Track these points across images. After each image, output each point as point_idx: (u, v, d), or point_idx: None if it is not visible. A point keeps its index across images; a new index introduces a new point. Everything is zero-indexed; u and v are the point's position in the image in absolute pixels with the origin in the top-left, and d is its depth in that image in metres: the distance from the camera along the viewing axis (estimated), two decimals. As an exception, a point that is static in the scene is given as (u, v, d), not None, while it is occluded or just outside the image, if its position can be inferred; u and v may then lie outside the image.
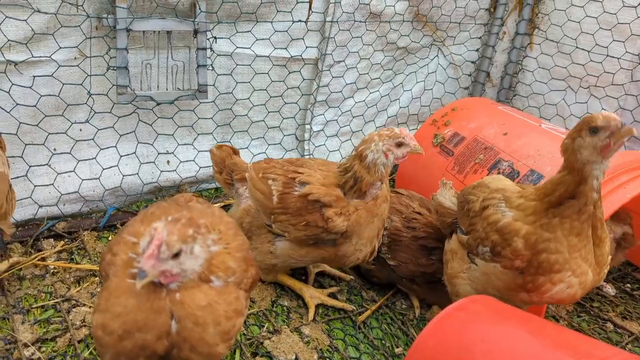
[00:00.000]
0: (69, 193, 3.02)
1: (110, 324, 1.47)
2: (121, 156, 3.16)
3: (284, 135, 3.74)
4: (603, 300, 3.03)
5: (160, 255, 1.39)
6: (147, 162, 3.26)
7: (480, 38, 4.33)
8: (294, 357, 2.33)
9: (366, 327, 2.63)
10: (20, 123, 2.78)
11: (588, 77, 3.87)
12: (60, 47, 2.75)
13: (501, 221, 2.04)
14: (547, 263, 1.90)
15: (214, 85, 3.31)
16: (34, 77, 2.75)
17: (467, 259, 2.25)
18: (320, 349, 2.42)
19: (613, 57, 3.70)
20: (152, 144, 3.26)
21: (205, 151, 3.44)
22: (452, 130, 3.45)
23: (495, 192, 2.18)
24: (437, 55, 4.28)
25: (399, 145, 2.35)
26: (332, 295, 2.79)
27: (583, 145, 1.84)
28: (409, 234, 2.76)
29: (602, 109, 3.80)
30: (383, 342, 2.55)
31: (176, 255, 1.43)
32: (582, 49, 3.86)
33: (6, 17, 2.56)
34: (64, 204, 3.04)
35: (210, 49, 3.18)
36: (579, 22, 3.85)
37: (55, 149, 2.96)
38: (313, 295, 2.70)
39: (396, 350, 2.51)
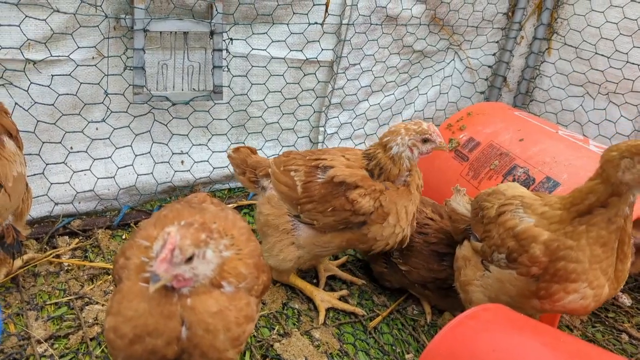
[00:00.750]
0: (84, 191, 3.05)
1: (122, 328, 1.48)
2: (136, 155, 3.18)
3: (298, 137, 3.74)
4: (618, 311, 2.99)
5: (173, 259, 1.39)
6: (162, 162, 3.28)
7: (497, 42, 4.29)
8: (303, 360, 2.33)
9: (377, 332, 2.62)
10: (38, 121, 2.82)
11: (607, 83, 3.82)
12: (79, 47, 2.77)
13: (519, 226, 2.01)
14: (564, 271, 1.87)
15: (229, 86, 3.32)
16: (52, 76, 2.78)
17: (481, 266, 2.22)
18: (330, 353, 2.41)
19: (633, 63, 3.64)
20: (166, 144, 3.28)
21: (220, 152, 3.45)
22: (467, 135, 3.42)
23: (513, 199, 2.15)
24: (453, 59, 4.25)
25: (425, 141, 2.36)
26: (342, 299, 2.78)
27: (630, 169, 1.78)
28: (420, 239, 2.74)
29: (622, 116, 3.74)
30: (394, 347, 2.54)
31: (189, 260, 1.43)
32: (602, 55, 3.80)
33: (26, 16, 2.59)
34: (79, 202, 3.07)
35: (226, 50, 3.19)
36: (598, 27, 3.79)
37: (71, 148, 2.99)
38: (324, 299, 2.70)
39: (407, 356, 2.49)
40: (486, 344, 1.77)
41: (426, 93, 4.23)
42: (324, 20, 3.40)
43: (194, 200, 1.96)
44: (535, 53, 4.24)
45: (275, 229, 2.52)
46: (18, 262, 2.60)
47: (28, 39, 2.64)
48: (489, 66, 4.38)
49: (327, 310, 2.67)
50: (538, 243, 1.93)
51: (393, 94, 4.03)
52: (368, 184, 2.35)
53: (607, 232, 1.86)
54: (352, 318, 2.68)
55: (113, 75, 2.94)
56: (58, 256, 2.78)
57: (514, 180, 2.98)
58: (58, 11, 2.65)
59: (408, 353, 2.51)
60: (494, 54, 4.34)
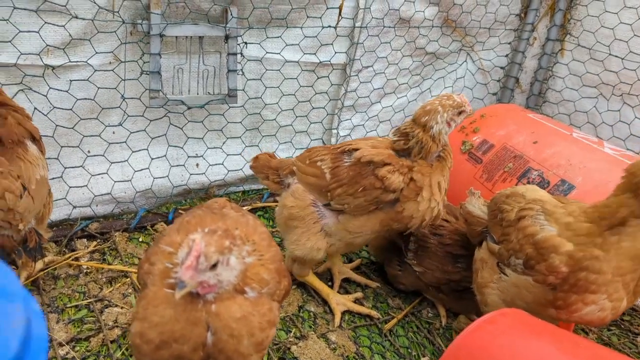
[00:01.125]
0: (101, 194, 3.09)
1: (148, 333, 1.50)
2: (152, 159, 3.22)
3: (311, 140, 3.76)
4: (634, 314, 2.98)
5: (198, 266, 1.41)
6: (177, 165, 3.32)
7: (510, 44, 4.29)
8: (320, 363, 2.35)
9: (392, 335, 2.63)
10: (56, 126, 2.85)
11: (621, 84, 3.81)
12: (97, 52, 2.81)
13: (539, 234, 2.01)
14: (584, 282, 1.87)
15: (243, 89, 3.34)
16: (71, 81, 2.81)
17: (497, 268, 2.23)
18: (347, 356, 2.44)
19: (648, 65, 3.63)
20: (182, 147, 3.31)
21: (234, 154, 3.48)
22: (480, 138, 3.43)
23: (533, 203, 2.15)
24: (465, 61, 4.25)
25: (460, 113, 2.43)
26: (357, 302, 2.80)
27: None
28: (435, 241, 2.76)
29: (636, 117, 3.73)
30: (409, 350, 2.55)
31: (213, 267, 1.45)
32: (616, 56, 3.79)
33: (45, 22, 2.62)
34: (97, 205, 3.11)
35: (241, 54, 3.21)
36: (612, 28, 3.78)
37: (89, 151, 3.03)
38: (339, 302, 2.72)
39: (422, 359, 2.51)
40: (504, 350, 1.78)
41: (438, 95, 4.22)
42: (337, 24, 3.41)
43: (215, 206, 1.98)
44: (548, 54, 4.24)
45: (301, 220, 2.51)
46: (39, 265, 2.64)
47: (47, 45, 2.67)
48: (502, 67, 4.38)
49: (343, 313, 2.69)
50: (559, 254, 1.93)
51: (405, 95, 4.04)
52: (395, 160, 2.39)
53: None
54: (367, 321, 2.69)
55: (130, 79, 2.97)
56: (77, 259, 2.82)
57: (528, 183, 2.99)
58: (76, 17, 2.68)
59: (424, 356, 2.53)
60: (506, 55, 4.33)
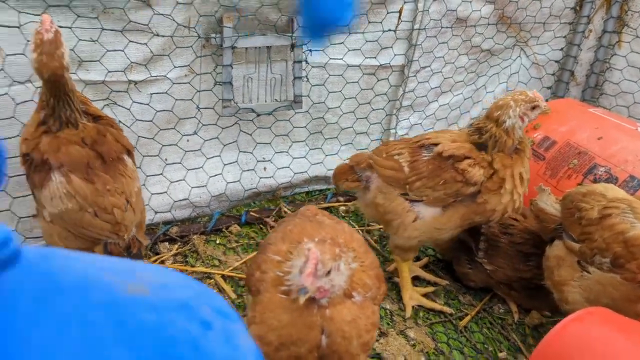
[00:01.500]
0: (179, 200, 3.27)
1: (268, 336, 1.64)
2: (224, 164, 3.37)
3: (371, 141, 3.86)
4: None
5: (317, 272, 1.54)
6: (247, 170, 3.47)
7: (564, 37, 4.28)
8: (403, 359, 2.47)
9: (467, 331, 2.73)
10: (138, 137, 3.03)
11: (682, 75, 3.77)
12: (175, 67, 2.96)
13: (630, 232, 2.05)
14: None
15: (307, 95, 3.46)
16: (151, 94, 2.98)
17: (578, 267, 2.28)
18: (427, 352, 2.54)
19: None
20: (251, 152, 3.45)
21: (299, 157, 3.61)
22: (542, 134, 3.47)
23: (618, 202, 2.19)
24: (519, 56, 4.27)
25: (534, 108, 2.48)
26: (429, 297, 2.90)
27: None
28: (506, 240, 2.83)
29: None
30: (485, 346, 2.65)
31: (328, 273, 1.58)
32: (677, 47, 3.76)
33: (129, 41, 2.78)
34: (176, 210, 3.29)
35: (306, 61, 3.32)
36: (673, 19, 3.75)
37: (166, 159, 3.20)
38: (412, 297, 2.82)
39: (499, 354, 2.60)
40: (595, 348, 1.86)
41: (493, 91, 4.26)
42: (397, 27, 3.49)
43: (308, 214, 2.11)
44: (604, 46, 4.21)
45: (394, 212, 2.60)
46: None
47: (131, 62, 2.84)
48: (556, 61, 4.37)
49: (416, 308, 2.79)
50: None
51: (461, 93, 4.09)
52: (476, 154, 2.46)
53: None
54: (441, 317, 2.79)
55: (204, 90, 3.13)
56: (163, 262, 3.00)
57: (595, 180, 3.02)
58: (157, 35, 2.84)
59: (501, 351, 2.61)
60: (561, 49, 4.33)
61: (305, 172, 3.65)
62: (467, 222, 2.55)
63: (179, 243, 3.18)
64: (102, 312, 0.70)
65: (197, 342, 0.76)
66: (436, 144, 2.52)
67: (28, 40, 2.57)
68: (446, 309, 2.81)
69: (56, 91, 2.20)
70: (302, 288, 1.53)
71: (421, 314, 2.80)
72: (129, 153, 2.57)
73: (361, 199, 2.84)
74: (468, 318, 2.78)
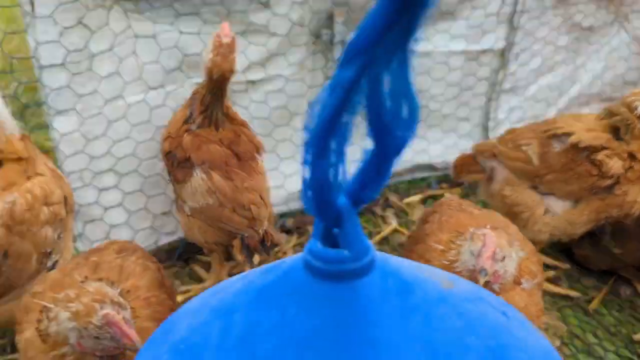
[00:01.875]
0: (293, 192, 3.39)
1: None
2: (333, 157, 3.46)
3: (472, 127, 3.86)
4: None
5: (496, 256, 1.60)
6: (354, 160, 3.54)
7: (668, 9, 4.10)
8: (539, 342, 2.50)
9: (596, 314, 2.72)
10: (256, 134, 3.16)
11: None
12: (288, 64, 3.07)
13: None
14: None
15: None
16: (267, 92, 3.10)
17: None
18: (560, 336, 2.56)
19: None
20: (358, 144, 3.52)
21: (402, 146, 3.66)
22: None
23: None
24: (617, 32, 4.13)
25: None
26: (552, 282, 2.90)
27: None
28: (633, 223, 2.78)
29: None
30: (618, 328, 2.64)
31: (504, 258, 1.64)
32: None
33: (249, 43, 2.90)
34: (290, 202, 3.42)
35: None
36: None
37: (280, 154, 3.33)
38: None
39: (634, 336, 2.58)
40: None
41: (592, 69, 4.15)
42: (499, 10, 3.46)
43: (453, 204, 2.16)
44: None
45: (524, 205, 2.58)
46: (256, 260, 2.98)
47: (250, 62, 2.96)
48: (659, 34, 4.20)
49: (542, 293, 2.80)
50: None
51: (561, 73, 4.01)
52: (614, 144, 2.38)
53: None
54: (567, 301, 2.80)
55: (315, 86, 3.22)
56: (285, 253, 3.14)
57: None
58: (275, 34, 2.95)
59: (635, 333, 2.60)
60: (664, 22, 4.16)
61: (409, 160, 3.69)
62: (603, 215, 2.47)
63: (295, 234, 3.31)
64: (443, 306, 0.79)
65: (510, 329, 0.84)
66: (569, 134, 2.47)
67: (162, 49, 2.75)
68: (572, 292, 2.81)
69: (217, 90, 2.36)
70: (482, 269, 1.59)
71: (547, 298, 2.81)
72: (259, 152, 2.70)
73: (484, 190, 2.85)
74: (597, 300, 2.77)
